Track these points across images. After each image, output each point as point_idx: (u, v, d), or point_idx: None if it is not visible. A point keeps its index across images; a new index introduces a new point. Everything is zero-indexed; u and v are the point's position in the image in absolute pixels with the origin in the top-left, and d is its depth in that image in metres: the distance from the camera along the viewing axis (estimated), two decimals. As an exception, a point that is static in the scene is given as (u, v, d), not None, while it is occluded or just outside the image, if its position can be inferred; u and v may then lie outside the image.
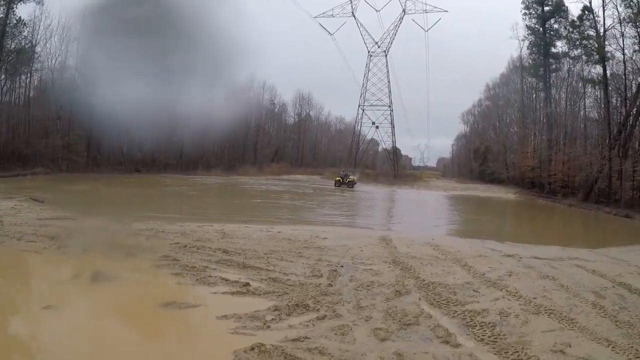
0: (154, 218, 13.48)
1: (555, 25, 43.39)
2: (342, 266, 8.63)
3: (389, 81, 63.31)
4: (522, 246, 12.34)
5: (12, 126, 38.96)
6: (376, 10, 62.60)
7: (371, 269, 8.47)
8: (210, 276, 7.43)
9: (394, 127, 64.02)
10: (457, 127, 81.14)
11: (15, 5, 38.09)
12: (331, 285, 7.30)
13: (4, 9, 37.39)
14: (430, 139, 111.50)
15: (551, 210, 31.75)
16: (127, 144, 45.11)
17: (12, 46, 38.97)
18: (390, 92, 63.30)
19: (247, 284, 7.04)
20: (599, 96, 36.73)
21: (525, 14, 45.53)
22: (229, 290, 6.82)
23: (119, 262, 7.96)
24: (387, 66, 63.59)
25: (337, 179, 42.97)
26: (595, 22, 34.65)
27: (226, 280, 7.23)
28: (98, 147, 42.76)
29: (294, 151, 66.91)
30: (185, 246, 9.51)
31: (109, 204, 19.30)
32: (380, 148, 71.78)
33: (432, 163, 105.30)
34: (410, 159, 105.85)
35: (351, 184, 41.34)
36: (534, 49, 45.44)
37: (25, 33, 39.46)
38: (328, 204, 25.34)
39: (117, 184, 31.31)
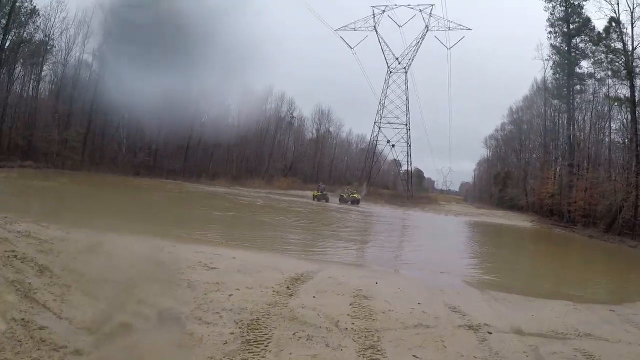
0: (60, 221, 9.94)
1: (581, 45, 39.29)
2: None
3: (407, 99, 58.77)
4: (508, 301, 7.94)
5: (16, 117, 37.06)
6: (399, 26, 58.37)
7: (194, 333, 4.48)
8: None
9: (410, 146, 59.18)
10: (481, 151, 75.82)
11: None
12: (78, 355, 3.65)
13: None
14: (456, 163, 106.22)
15: (568, 242, 26.60)
16: (128, 146, 42.71)
17: (25, 35, 37.38)
18: (408, 110, 58.55)
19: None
20: (625, 120, 31.93)
21: (550, 32, 41.68)
22: None
23: None
24: (406, 83, 59.09)
25: (315, 193, 41.23)
26: (622, 34, 29.78)
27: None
28: (100, 146, 40.33)
29: (310, 167, 62.72)
30: (17, 257, 6.30)
31: (46, 203, 17.27)
32: (402, 170, 66.76)
33: (456, 187, 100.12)
34: (434, 182, 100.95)
35: (325, 199, 39.75)
36: (558, 69, 41.47)
37: (38, 23, 37.86)
38: (302, 222, 21.13)
39: (96, 183, 28.37)
